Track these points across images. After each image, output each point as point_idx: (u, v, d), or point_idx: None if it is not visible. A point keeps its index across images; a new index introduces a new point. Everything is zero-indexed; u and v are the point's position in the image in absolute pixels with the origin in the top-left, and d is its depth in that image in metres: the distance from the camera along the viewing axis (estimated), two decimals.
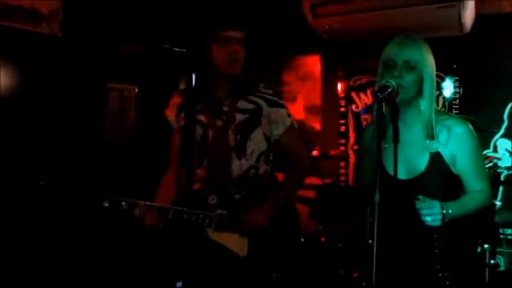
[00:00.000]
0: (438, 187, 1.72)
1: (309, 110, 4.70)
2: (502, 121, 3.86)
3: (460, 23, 3.42)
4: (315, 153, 3.75)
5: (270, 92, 2.18)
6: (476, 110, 3.55)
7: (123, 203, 1.93)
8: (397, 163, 1.60)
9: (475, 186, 1.73)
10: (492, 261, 2.89)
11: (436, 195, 1.65)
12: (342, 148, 4.45)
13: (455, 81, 3.93)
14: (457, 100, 3.98)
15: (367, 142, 1.89)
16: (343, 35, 3.78)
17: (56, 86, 3.10)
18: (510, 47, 3.82)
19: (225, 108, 2.09)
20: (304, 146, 2.34)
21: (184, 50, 2.11)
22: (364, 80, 4.38)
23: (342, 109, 4.49)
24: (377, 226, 1.46)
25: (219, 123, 2.10)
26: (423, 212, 1.59)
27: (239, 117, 2.09)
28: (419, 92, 1.72)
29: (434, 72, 1.76)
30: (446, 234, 1.71)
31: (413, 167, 1.75)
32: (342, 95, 4.49)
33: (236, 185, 2.09)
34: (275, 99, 2.14)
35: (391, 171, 1.70)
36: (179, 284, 3.02)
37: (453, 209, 1.64)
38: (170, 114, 2.16)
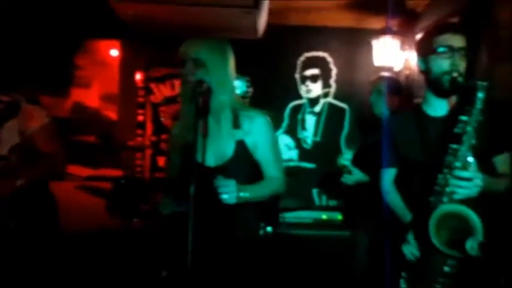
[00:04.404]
0: (244, 172, 1.85)
1: (105, 98, 4.47)
2: (283, 119, 4.38)
3: (255, 29, 3.73)
4: (112, 143, 3.59)
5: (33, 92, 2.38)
6: (263, 108, 3.94)
7: None
8: (205, 151, 1.68)
9: (272, 173, 1.89)
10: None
11: (242, 180, 1.77)
12: (139, 139, 4.38)
13: (247, 81, 4.27)
14: (248, 98, 4.34)
15: (175, 137, 1.94)
16: (145, 24, 3.69)
17: None
18: (292, 55, 4.36)
19: None
20: (58, 144, 2.40)
21: None
22: (164, 72, 4.39)
23: (141, 99, 4.41)
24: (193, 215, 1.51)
25: None
26: (220, 189, 1.69)
27: None
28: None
29: (229, 68, 1.89)
30: (244, 219, 1.86)
31: (222, 154, 1.85)
32: (141, 85, 4.41)
33: None
34: (36, 99, 2.34)
35: (199, 159, 1.77)
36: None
37: (250, 191, 1.77)
38: None
